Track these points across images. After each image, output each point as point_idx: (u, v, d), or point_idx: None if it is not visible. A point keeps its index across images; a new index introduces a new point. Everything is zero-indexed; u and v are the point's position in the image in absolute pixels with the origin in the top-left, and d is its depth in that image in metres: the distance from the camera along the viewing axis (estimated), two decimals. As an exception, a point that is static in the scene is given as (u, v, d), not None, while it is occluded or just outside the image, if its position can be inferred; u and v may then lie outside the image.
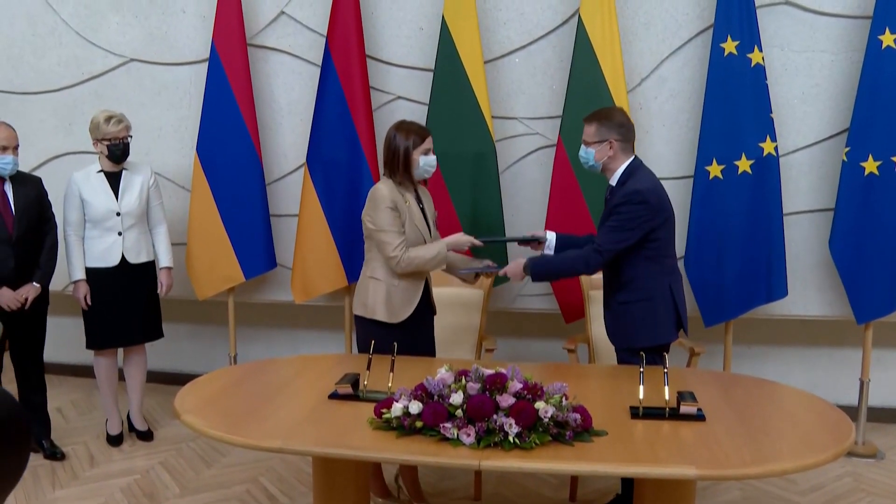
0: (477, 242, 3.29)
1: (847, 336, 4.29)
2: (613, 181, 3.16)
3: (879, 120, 3.73)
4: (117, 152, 3.94)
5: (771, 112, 3.86)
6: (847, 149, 3.80)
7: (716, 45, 3.85)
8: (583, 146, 3.19)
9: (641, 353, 2.66)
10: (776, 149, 3.87)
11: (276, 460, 3.94)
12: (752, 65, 3.83)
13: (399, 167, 3.25)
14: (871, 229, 3.81)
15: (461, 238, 3.29)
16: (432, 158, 3.30)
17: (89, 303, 3.98)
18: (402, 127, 3.28)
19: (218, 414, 2.63)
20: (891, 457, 4.01)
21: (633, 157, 3.16)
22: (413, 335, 3.28)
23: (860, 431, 4.02)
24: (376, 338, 3.07)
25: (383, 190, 3.22)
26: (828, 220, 3.96)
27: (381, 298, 3.26)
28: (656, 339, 3.12)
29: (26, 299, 3.80)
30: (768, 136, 3.85)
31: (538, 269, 3.18)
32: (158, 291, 4.16)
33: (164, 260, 4.18)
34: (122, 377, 4.30)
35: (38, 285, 3.86)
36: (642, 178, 3.11)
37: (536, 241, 3.36)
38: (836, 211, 3.87)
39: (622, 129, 3.12)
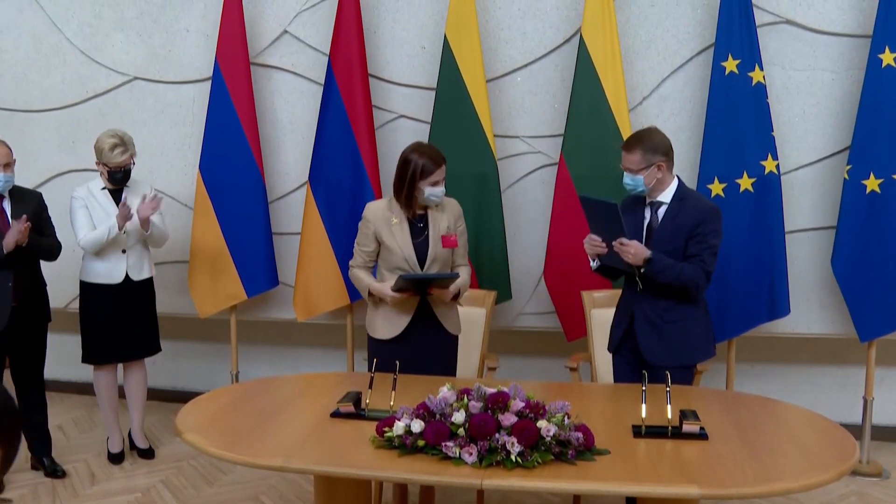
0: (395, 295, 3.20)
1: (850, 354, 4.28)
2: (665, 198, 3.10)
3: (880, 138, 3.74)
4: (118, 176, 3.93)
5: (772, 130, 3.87)
6: (848, 167, 3.81)
7: (717, 64, 3.86)
8: (627, 174, 3.09)
9: (644, 371, 2.65)
10: (777, 167, 3.88)
11: (277, 479, 3.92)
12: (753, 83, 3.84)
13: (403, 191, 3.23)
14: (874, 247, 3.80)
15: (384, 290, 3.23)
16: (439, 190, 3.22)
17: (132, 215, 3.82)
18: (417, 149, 3.23)
19: (219, 432, 2.63)
20: None
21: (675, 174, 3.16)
22: (414, 351, 3.25)
23: (864, 450, 4.00)
24: (376, 354, 3.09)
25: (371, 206, 3.36)
26: (830, 238, 3.96)
27: (377, 314, 3.32)
28: (710, 353, 3.22)
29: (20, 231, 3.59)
30: (770, 155, 3.86)
31: (656, 268, 2.97)
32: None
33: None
34: (122, 394, 4.29)
35: (27, 222, 3.62)
36: (698, 194, 3.26)
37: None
38: (838, 229, 3.87)
39: (664, 147, 3.07)
